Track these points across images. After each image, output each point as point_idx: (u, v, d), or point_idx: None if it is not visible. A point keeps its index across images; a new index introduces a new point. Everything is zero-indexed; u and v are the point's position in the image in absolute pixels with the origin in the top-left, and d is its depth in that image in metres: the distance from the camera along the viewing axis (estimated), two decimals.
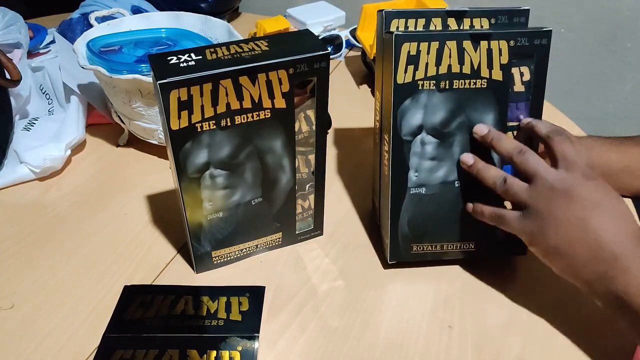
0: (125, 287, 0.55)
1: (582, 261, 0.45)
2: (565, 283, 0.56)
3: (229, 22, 1.00)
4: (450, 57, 0.49)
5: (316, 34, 0.83)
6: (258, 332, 0.51)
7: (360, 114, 0.87)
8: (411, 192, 0.54)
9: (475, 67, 0.50)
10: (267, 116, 0.50)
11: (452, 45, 0.49)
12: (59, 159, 0.71)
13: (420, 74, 0.49)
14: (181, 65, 0.46)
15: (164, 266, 0.59)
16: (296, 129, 0.52)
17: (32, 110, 0.82)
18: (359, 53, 1.02)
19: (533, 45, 0.50)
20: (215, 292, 0.54)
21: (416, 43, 0.48)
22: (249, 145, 0.51)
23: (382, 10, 0.53)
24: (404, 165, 0.53)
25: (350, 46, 1.05)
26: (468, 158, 0.52)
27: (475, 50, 0.49)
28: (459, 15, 0.54)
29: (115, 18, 0.81)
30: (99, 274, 0.58)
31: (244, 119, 0.49)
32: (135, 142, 0.77)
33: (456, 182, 0.54)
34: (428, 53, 0.49)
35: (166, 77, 0.44)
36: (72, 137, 0.73)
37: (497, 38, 0.49)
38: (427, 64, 0.49)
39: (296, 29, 1.00)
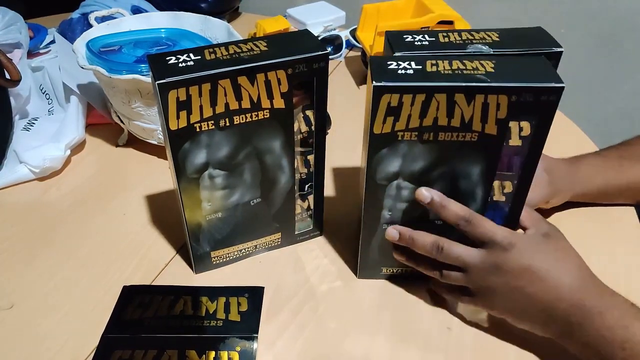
0: (125, 287, 0.55)
1: (518, 313, 0.48)
2: None
3: (228, 22, 1.00)
4: (437, 109, 0.44)
5: (316, 34, 0.83)
6: (257, 332, 0.51)
7: (360, 114, 0.86)
8: (383, 228, 0.53)
9: (467, 121, 0.44)
10: (266, 116, 0.50)
11: (441, 98, 0.43)
12: (59, 159, 0.71)
13: (400, 125, 0.45)
14: (180, 65, 0.46)
15: (163, 266, 0.59)
16: (295, 129, 0.52)
17: (32, 110, 0.82)
18: (359, 53, 1.02)
19: (539, 102, 0.43)
20: (214, 292, 0.54)
21: (398, 95, 0.43)
22: (247, 145, 0.51)
23: (390, 32, 0.52)
24: (378, 205, 0.51)
25: (350, 46, 1.05)
26: (425, 195, 0.49)
27: (469, 104, 0.43)
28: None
29: (115, 18, 0.81)
30: (99, 274, 0.58)
31: (242, 119, 0.49)
32: (135, 142, 0.77)
33: (437, 220, 0.51)
34: (412, 105, 0.44)
35: (165, 77, 0.44)
36: (71, 137, 0.73)
37: (497, 92, 0.42)
38: (409, 116, 0.44)
39: (296, 29, 1.00)
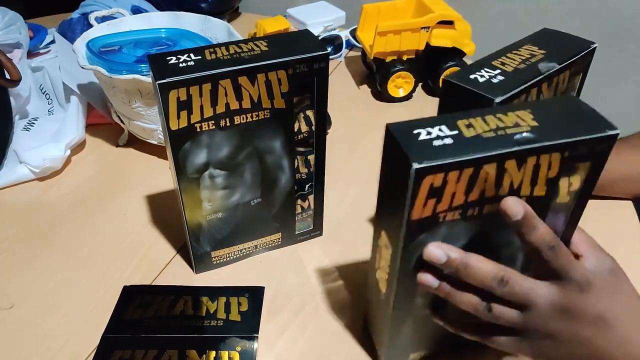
0: (125, 287, 0.55)
1: None
2: None
3: (229, 22, 1.00)
4: (486, 181, 0.36)
5: (316, 34, 0.83)
6: (257, 332, 0.51)
7: (360, 114, 0.87)
8: (415, 315, 0.45)
9: (515, 187, 0.37)
10: (266, 116, 0.50)
11: (490, 168, 0.35)
12: (59, 159, 0.71)
13: (443, 206, 0.37)
14: (180, 65, 0.46)
15: (164, 266, 0.59)
16: (295, 129, 0.52)
17: (32, 110, 0.82)
18: (359, 53, 1.02)
19: (593, 153, 0.37)
20: (214, 292, 0.54)
21: (442, 174, 0.35)
22: (248, 145, 0.51)
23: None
24: (412, 294, 0.43)
25: (350, 46, 1.05)
26: (439, 254, 0.38)
27: (519, 169, 0.36)
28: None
29: (115, 18, 0.81)
30: (99, 274, 0.58)
31: (243, 119, 0.49)
32: (135, 142, 0.77)
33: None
34: (457, 182, 0.36)
35: (165, 77, 0.44)
36: (71, 137, 0.73)
37: (549, 151, 0.36)
38: (454, 194, 0.36)
39: (296, 29, 1.00)
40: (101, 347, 0.49)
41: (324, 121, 0.54)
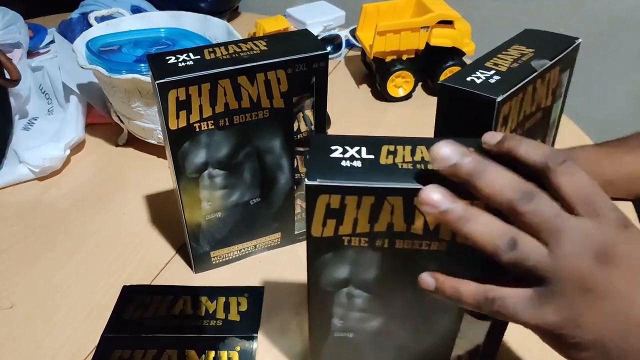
0: (124, 287, 0.55)
1: (633, 351, 0.30)
2: None
3: (228, 21, 1.00)
4: (392, 214, 0.34)
5: (316, 34, 0.82)
6: (257, 332, 0.50)
7: (360, 113, 0.87)
8: (335, 335, 0.43)
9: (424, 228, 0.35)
10: (265, 116, 0.50)
11: (395, 201, 0.33)
12: (58, 158, 0.71)
13: (345, 229, 0.35)
14: (179, 65, 0.46)
15: (163, 266, 0.59)
16: (295, 129, 0.52)
17: (32, 110, 0.82)
18: (359, 53, 1.01)
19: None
20: (213, 292, 0.54)
21: (339, 196, 0.34)
22: (247, 145, 0.51)
23: None
24: (327, 315, 0.42)
25: (350, 46, 1.05)
26: (435, 197, 0.31)
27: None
28: None
29: (114, 18, 0.81)
30: (98, 273, 0.58)
31: (242, 119, 0.49)
32: (135, 142, 0.77)
33: (395, 333, 0.42)
34: (358, 207, 0.34)
35: (164, 77, 0.44)
36: (71, 136, 0.73)
37: None
38: (355, 219, 0.35)
39: (296, 29, 1.00)
40: (100, 347, 0.49)
41: (323, 121, 0.54)
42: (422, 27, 0.83)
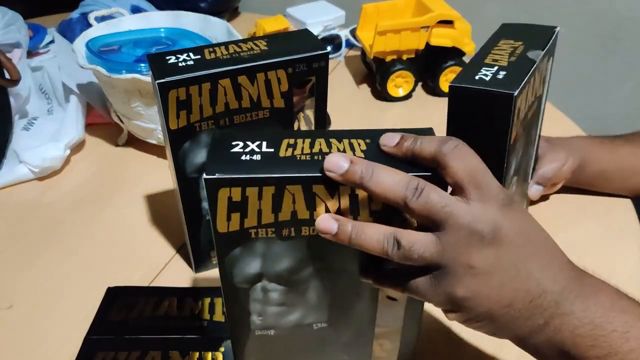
0: (109, 288, 0.55)
1: (520, 316, 0.34)
2: None
3: (228, 21, 1.00)
4: (294, 202, 0.35)
5: (316, 34, 0.82)
6: None
7: (360, 113, 0.87)
8: (257, 334, 0.42)
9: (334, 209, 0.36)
10: (266, 116, 0.50)
11: (295, 189, 0.35)
12: (58, 158, 0.71)
13: (251, 222, 0.36)
14: (180, 64, 0.46)
15: (163, 266, 0.59)
16: (295, 129, 0.52)
17: (32, 110, 0.82)
18: (359, 53, 1.01)
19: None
20: (199, 293, 0.54)
21: (240, 188, 0.34)
22: None
23: None
24: (245, 313, 0.41)
25: (350, 46, 1.05)
26: (327, 224, 0.34)
27: (333, 196, 0.36)
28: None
29: (114, 18, 0.81)
30: (98, 273, 0.58)
31: (242, 119, 0.49)
32: (135, 142, 0.77)
33: (315, 324, 0.42)
34: (260, 199, 0.35)
35: (165, 77, 0.44)
36: (71, 136, 0.73)
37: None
38: (259, 211, 0.36)
39: (296, 29, 1.00)
40: (84, 349, 0.49)
41: (323, 121, 0.54)
42: (422, 27, 0.83)
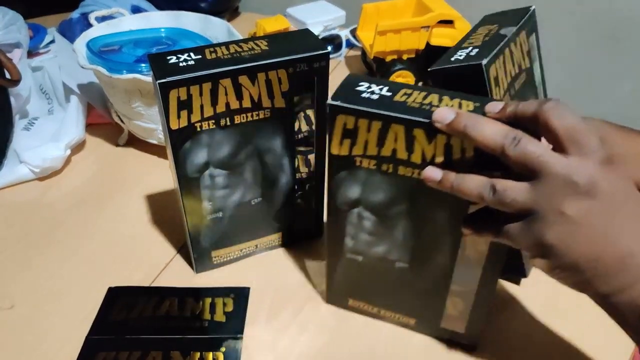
0: (110, 288, 0.55)
1: (607, 273, 0.35)
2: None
3: (228, 21, 1.00)
4: (396, 141, 0.41)
5: (316, 34, 0.83)
6: (242, 333, 0.50)
7: None
8: (347, 257, 0.49)
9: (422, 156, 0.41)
10: (266, 116, 0.50)
11: (399, 129, 0.40)
12: (59, 158, 0.71)
13: (358, 150, 0.42)
14: (180, 64, 0.45)
15: (164, 266, 0.59)
16: (296, 129, 0.52)
17: (32, 110, 0.82)
18: (359, 52, 1.01)
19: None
20: (200, 293, 0.54)
21: (354, 118, 0.41)
22: (248, 144, 0.51)
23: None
24: (341, 233, 0.48)
25: (350, 46, 1.05)
26: (434, 173, 0.40)
27: (430, 142, 0.40)
28: None
29: (114, 18, 0.81)
30: (99, 274, 0.58)
31: (243, 119, 0.49)
32: (135, 142, 0.77)
33: (397, 262, 0.48)
34: (368, 131, 0.41)
35: (166, 77, 0.44)
36: (71, 136, 0.73)
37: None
38: (366, 142, 0.42)
39: (296, 29, 1.00)
40: (84, 349, 0.49)
41: (324, 121, 0.53)
42: (422, 27, 0.83)
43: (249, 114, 0.49)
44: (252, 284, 0.56)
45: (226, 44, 0.49)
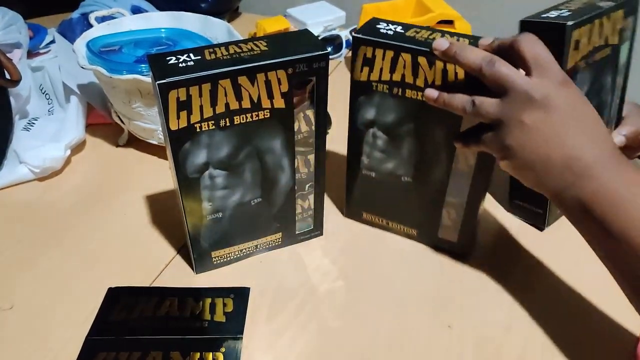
0: (110, 288, 0.55)
1: (555, 172, 0.43)
2: (566, 280, 0.56)
3: (228, 22, 1.00)
4: (404, 67, 0.51)
5: (316, 34, 0.82)
6: (242, 333, 0.50)
7: None
8: (363, 173, 0.60)
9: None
10: (266, 116, 0.50)
11: (407, 57, 0.50)
12: (59, 159, 0.71)
13: (374, 76, 0.53)
14: (180, 65, 0.46)
15: (164, 267, 0.59)
16: (295, 129, 0.52)
17: (32, 110, 0.82)
18: None
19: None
20: (200, 293, 0.54)
21: (372, 48, 0.51)
22: (248, 145, 0.51)
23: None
24: (359, 152, 0.58)
25: (350, 46, 1.05)
26: (432, 92, 0.49)
27: (431, 68, 0.50)
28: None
29: (115, 18, 0.81)
30: (99, 274, 0.58)
31: (243, 119, 0.49)
32: (135, 142, 0.77)
33: (403, 177, 0.58)
34: (383, 59, 0.51)
35: (165, 77, 0.44)
36: (71, 137, 0.73)
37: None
38: (381, 69, 0.52)
39: (296, 29, 1.00)
40: (84, 350, 0.49)
41: (324, 121, 0.54)
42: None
43: (249, 115, 0.49)
44: (252, 284, 0.56)
45: (226, 45, 0.49)
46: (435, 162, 0.55)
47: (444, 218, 0.58)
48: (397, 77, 0.51)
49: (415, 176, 0.57)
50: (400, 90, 0.52)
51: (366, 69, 0.52)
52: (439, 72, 0.49)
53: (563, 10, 0.52)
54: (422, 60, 0.49)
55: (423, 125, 0.53)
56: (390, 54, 0.50)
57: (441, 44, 0.47)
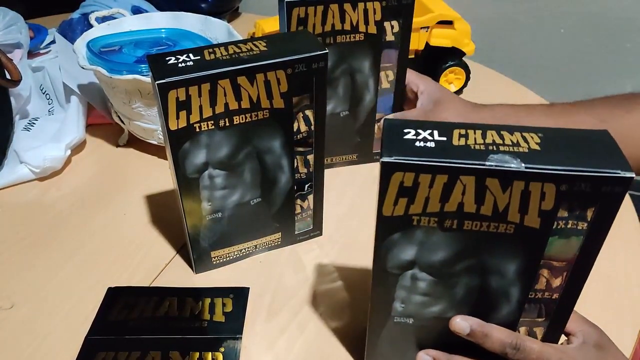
0: (109, 288, 0.55)
1: None
2: None
3: (228, 22, 1.00)
4: (463, 194, 0.36)
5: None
6: (241, 333, 0.50)
7: None
8: (395, 321, 0.44)
9: (501, 210, 0.36)
10: (265, 116, 0.50)
11: (468, 180, 0.35)
12: (59, 159, 0.71)
13: (416, 209, 0.38)
14: (179, 65, 0.46)
15: (164, 266, 0.59)
16: (295, 129, 0.52)
17: (32, 110, 0.82)
18: None
19: (599, 194, 0.34)
20: (199, 293, 0.54)
21: (413, 174, 0.35)
22: (247, 145, 0.51)
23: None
24: (389, 299, 0.43)
25: None
26: (463, 326, 0.42)
27: (504, 191, 0.35)
28: None
29: (115, 18, 0.81)
30: (99, 274, 0.58)
31: (242, 119, 0.49)
32: (135, 142, 0.77)
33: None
34: (430, 187, 0.36)
35: (164, 78, 0.44)
36: (72, 137, 0.73)
37: (541, 180, 0.34)
38: (427, 199, 0.37)
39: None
40: (84, 349, 0.49)
41: (323, 121, 0.54)
42: (421, 28, 0.83)
43: (248, 115, 0.49)
44: (251, 284, 0.56)
45: (225, 45, 0.49)
46: (505, 300, 0.41)
47: None
48: (451, 206, 0.36)
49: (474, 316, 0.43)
50: (455, 222, 0.37)
51: (403, 201, 0.36)
52: (517, 195, 0.35)
53: None
54: (491, 182, 0.34)
55: (487, 261, 0.39)
56: (442, 179, 0.35)
57: (463, 327, 0.42)
